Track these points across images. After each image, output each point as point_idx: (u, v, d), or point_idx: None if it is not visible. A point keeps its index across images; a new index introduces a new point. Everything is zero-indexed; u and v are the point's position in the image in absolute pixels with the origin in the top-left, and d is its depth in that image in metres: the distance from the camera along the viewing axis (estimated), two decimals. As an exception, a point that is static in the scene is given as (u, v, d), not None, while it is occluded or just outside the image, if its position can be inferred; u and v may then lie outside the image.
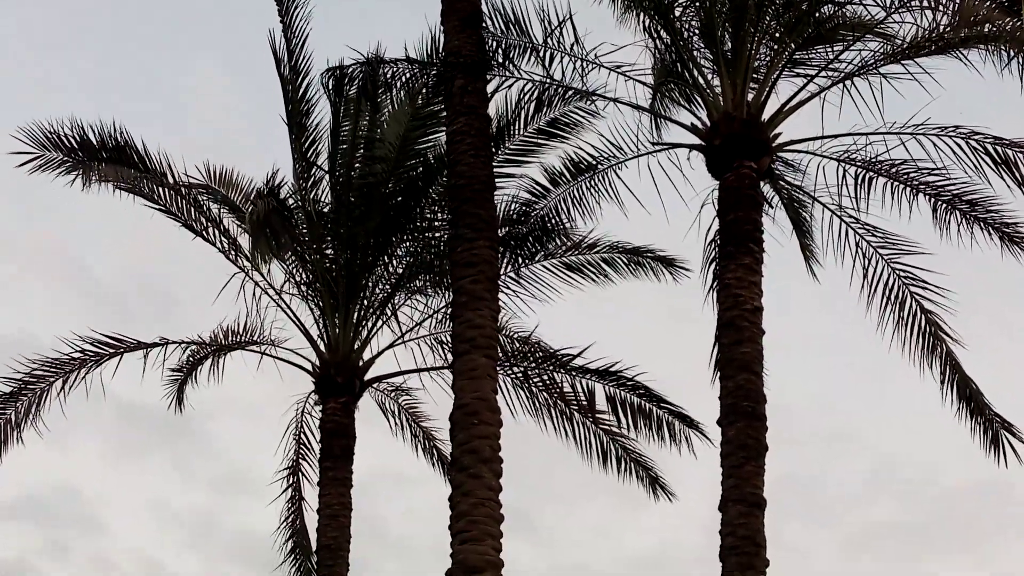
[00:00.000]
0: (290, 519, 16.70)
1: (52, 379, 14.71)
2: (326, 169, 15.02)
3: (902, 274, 13.10)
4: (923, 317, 13.02)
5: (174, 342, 15.28)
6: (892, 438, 32.84)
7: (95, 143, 13.86)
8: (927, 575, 30.13)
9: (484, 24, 12.61)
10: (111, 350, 14.90)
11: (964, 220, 12.79)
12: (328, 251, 15.16)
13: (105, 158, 13.93)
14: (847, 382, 31.83)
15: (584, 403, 15.09)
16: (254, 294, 15.01)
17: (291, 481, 16.64)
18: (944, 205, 12.81)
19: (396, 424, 17.13)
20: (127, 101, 33.69)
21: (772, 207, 13.05)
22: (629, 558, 32.22)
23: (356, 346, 15.17)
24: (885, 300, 13.02)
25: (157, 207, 14.74)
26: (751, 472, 11.32)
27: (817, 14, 12.30)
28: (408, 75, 13.04)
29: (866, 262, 13.10)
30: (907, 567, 30.68)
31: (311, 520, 16.41)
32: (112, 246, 33.39)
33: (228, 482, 31.55)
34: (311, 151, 15.00)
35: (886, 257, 13.14)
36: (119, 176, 13.97)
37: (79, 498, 31.71)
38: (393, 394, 16.92)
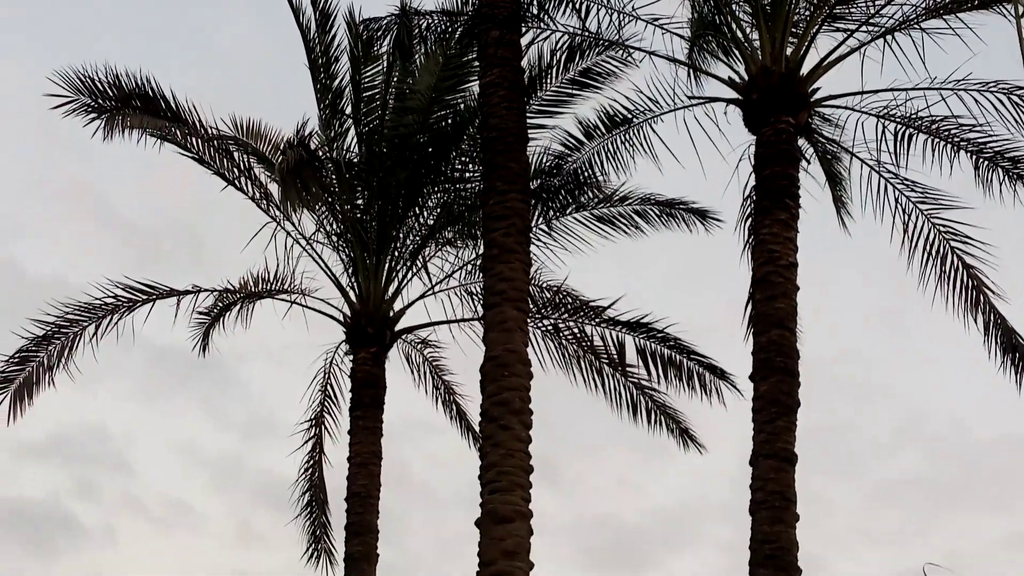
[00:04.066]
0: (308, 472, 16.82)
1: (85, 324, 14.83)
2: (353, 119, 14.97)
3: (943, 229, 12.99)
4: (965, 272, 12.92)
5: (206, 290, 15.36)
6: (921, 391, 32.79)
7: (128, 90, 13.84)
8: (953, 529, 30.13)
9: (520, -27, 12.49)
10: (144, 296, 14.98)
11: (1007, 177, 12.64)
12: (359, 202, 15.15)
13: (137, 106, 13.92)
14: (876, 335, 31.75)
15: (614, 355, 15.11)
16: (285, 243, 15.05)
17: (312, 433, 16.75)
18: (986, 162, 12.65)
19: (419, 377, 17.22)
20: (153, 50, 33.66)
21: (808, 161, 12.92)
22: (654, 510, 32.43)
23: (387, 297, 15.21)
24: (926, 255, 12.93)
25: (189, 155, 14.76)
26: (783, 427, 11.31)
27: (858, -32, 12.12)
28: (442, 27, 12.96)
29: (906, 217, 13.01)
30: (933, 520, 30.73)
31: (334, 472, 16.57)
32: (141, 189, 33.50)
33: (256, 426, 31.86)
34: (339, 100, 14.94)
35: (926, 212, 13.03)
36: (151, 124, 13.97)
37: (108, 439, 32.11)
38: (419, 346, 16.99)
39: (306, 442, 16.79)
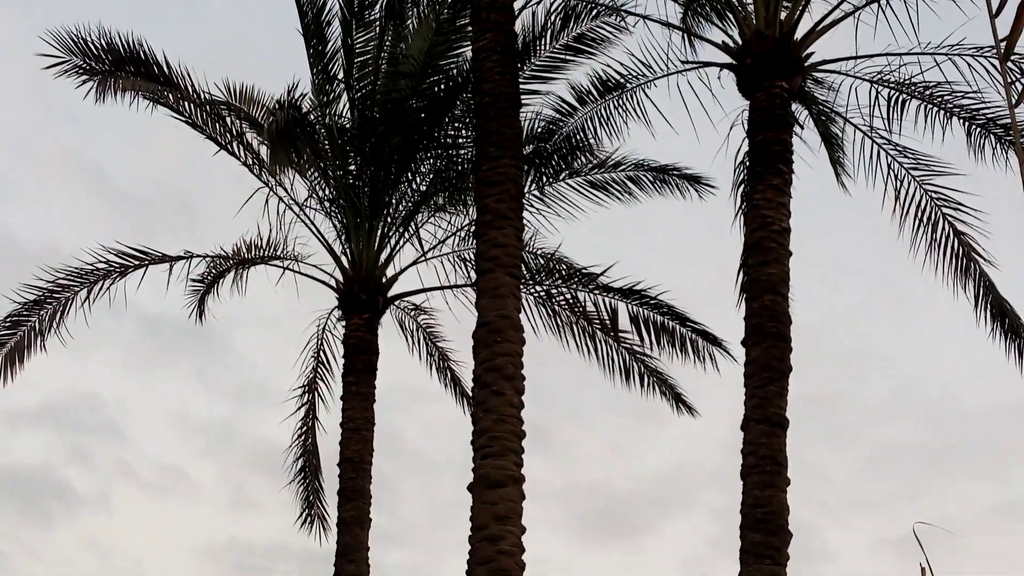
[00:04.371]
0: (302, 438, 16.84)
1: (77, 289, 14.81)
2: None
3: (934, 195, 12.97)
4: (956, 239, 12.90)
5: (198, 255, 15.33)
6: (914, 359, 32.83)
7: (120, 53, 13.78)
8: (945, 496, 30.29)
9: (513, -65, 12.38)
10: (136, 262, 14.96)
11: (999, 144, 12.60)
12: (351, 167, 15.10)
13: (130, 70, 13.85)
14: (871, 302, 31.77)
15: (607, 321, 15.13)
16: (278, 209, 15.02)
17: (306, 399, 16.77)
18: (978, 129, 12.62)
19: (413, 343, 17.23)
20: (146, 13, 33.38)
21: (802, 127, 12.88)
22: (646, 476, 32.55)
23: (379, 263, 15.19)
24: (917, 222, 12.92)
25: (182, 118, 14.70)
26: (774, 392, 11.34)
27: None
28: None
29: (898, 183, 12.98)
30: (925, 487, 30.86)
31: (326, 438, 16.60)
32: (132, 156, 33.35)
33: (249, 393, 31.88)
34: (331, 66, 14.85)
35: (918, 178, 13.01)
36: (144, 87, 13.91)
37: (101, 407, 32.13)
38: (412, 313, 16.99)
39: (299, 408, 16.82)
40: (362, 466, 14.76)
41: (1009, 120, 12.40)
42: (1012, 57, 11.84)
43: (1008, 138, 12.52)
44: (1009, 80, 11.71)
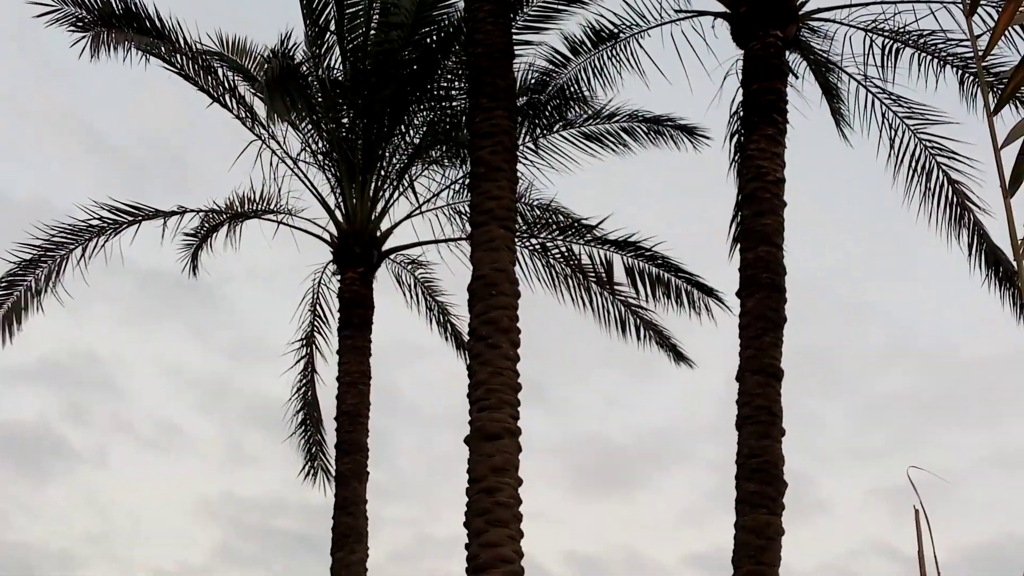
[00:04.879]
0: (302, 390, 16.88)
1: (72, 246, 14.77)
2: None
3: (929, 144, 12.94)
4: (950, 187, 12.88)
5: (192, 210, 15.29)
6: (910, 309, 32.89)
7: (113, 4, 13.68)
8: (941, 446, 30.46)
9: None
10: (129, 218, 14.92)
11: (992, 93, 12.53)
12: (344, 120, 15.02)
13: (123, 23, 13.74)
14: (866, 253, 31.78)
15: (602, 273, 15.12)
16: (271, 162, 14.95)
17: (304, 352, 16.79)
18: (971, 78, 12.57)
19: (411, 297, 17.23)
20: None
21: (797, 77, 12.82)
22: (642, 428, 32.72)
23: (374, 216, 15.16)
24: (911, 171, 12.89)
25: (174, 70, 14.58)
26: (769, 343, 11.35)
27: None
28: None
29: (892, 133, 12.95)
30: (921, 438, 31.03)
31: (324, 391, 16.64)
32: (123, 112, 33.15)
33: (244, 348, 31.93)
34: (323, 17, 14.73)
35: (912, 127, 12.97)
36: (137, 40, 13.81)
37: (98, 363, 32.16)
38: (409, 267, 16.97)
39: (298, 362, 16.86)
40: (359, 420, 14.81)
41: (1002, 68, 12.36)
42: (978, 9, 11.75)
43: (1001, 86, 12.45)
44: (976, 33, 11.63)
